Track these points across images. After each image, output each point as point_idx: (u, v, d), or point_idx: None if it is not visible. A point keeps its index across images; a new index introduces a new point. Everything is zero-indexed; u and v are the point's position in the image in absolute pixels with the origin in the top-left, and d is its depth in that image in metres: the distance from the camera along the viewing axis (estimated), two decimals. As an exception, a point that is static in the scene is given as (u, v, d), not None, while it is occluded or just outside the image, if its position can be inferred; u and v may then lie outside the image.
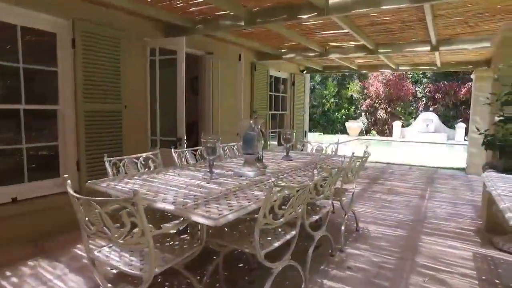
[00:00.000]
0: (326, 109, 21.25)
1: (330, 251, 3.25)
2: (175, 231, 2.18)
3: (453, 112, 18.20)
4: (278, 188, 1.91)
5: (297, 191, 2.04)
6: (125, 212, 1.57)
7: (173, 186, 2.40)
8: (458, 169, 8.53)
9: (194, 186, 2.41)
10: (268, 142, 7.90)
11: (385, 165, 8.96)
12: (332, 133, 21.04)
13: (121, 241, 1.66)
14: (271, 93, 8.34)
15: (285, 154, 3.91)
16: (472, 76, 7.91)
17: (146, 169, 3.11)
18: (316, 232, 2.77)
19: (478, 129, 3.84)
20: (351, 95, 20.98)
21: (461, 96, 17.69)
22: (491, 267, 3.14)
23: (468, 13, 4.24)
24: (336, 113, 21.08)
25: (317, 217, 2.83)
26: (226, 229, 2.45)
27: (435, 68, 8.09)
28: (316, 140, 16.71)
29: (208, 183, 2.52)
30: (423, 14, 4.07)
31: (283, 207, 2.04)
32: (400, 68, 8.46)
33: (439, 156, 11.31)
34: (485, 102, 7.49)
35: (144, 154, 3.19)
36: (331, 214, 4.24)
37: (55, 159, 3.74)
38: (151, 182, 2.51)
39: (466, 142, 16.91)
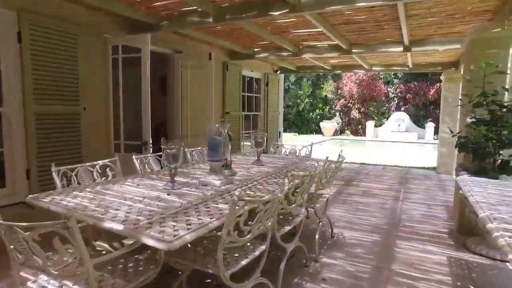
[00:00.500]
0: (301, 109, 21.28)
1: (304, 261, 3.07)
2: (128, 251, 1.93)
3: (423, 112, 18.68)
4: (242, 203, 1.69)
5: (265, 204, 1.83)
6: (58, 239, 1.31)
7: (128, 199, 2.13)
8: (429, 168, 8.65)
9: (152, 198, 2.16)
10: (242, 144, 7.68)
11: (360, 165, 8.97)
12: (307, 133, 21.10)
13: (55, 272, 1.39)
14: (244, 94, 8.13)
15: (256, 158, 3.70)
16: (442, 78, 8.03)
17: (104, 179, 2.82)
18: (288, 244, 2.58)
19: (451, 131, 3.79)
20: (326, 95, 21.12)
21: (430, 97, 18.18)
22: (465, 272, 3.07)
23: (440, 14, 4.20)
24: (311, 113, 21.16)
25: (289, 227, 2.64)
26: (189, 245, 2.21)
27: (407, 69, 8.16)
28: (291, 140, 16.71)
29: (168, 194, 2.27)
30: (397, 14, 3.99)
31: (249, 222, 1.83)
32: (373, 68, 8.48)
33: (411, 156, 11.50)
34: (455, 103, 7.64)
35: (100, 162, 2.90)
36: (306, 220, 4.08)
37: (0, 167, 3.36)
38: (104, 195, 2.23)
39: (436, 141, 17.43)
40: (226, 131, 2.62)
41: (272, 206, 1.92)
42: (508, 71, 3.71)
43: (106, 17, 4.28)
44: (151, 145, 4.36)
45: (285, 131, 21.01)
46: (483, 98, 3.37)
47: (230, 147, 2.68)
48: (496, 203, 2.21)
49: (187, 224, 1.67)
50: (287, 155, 4.71)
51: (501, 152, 3.36)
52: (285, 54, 6.59)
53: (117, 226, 1.60)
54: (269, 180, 2.84)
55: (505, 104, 3.36)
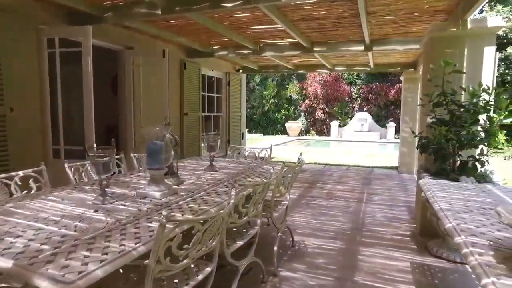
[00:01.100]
0: (266, 109, 21.17)
1: (261, 276, 2.80)
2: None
3: (384, 112, 19.18)
4: (173, 224, 1.39)
5: (204, 223, 1.53)
6: None
7: (41, 220, 1.75)
8: (391, 168, 8.74)
9: (73, 218, 1.79)
10: (202, 146, 7.32)
11: (324, 166, 8.89)
12: (272, 134, 21.01)
13: None
14: (204, 94, 7.79)
15: (209, 163, 3.39)
16: (401, 78, 8.13)
17: (24, 192, 2.39)
18: (241, 261, 2.29)
19: (413, 132, 3.69)
20: (291, 96, 21.15)
21: (390, 97, 18.70)
22: (428, 279, 2.94)
23: (399, 12, 4.12)
24: (276, 114, 21.10)
25: (242, 242, 2.36)
26: (120, 270, 1.87)
27: (368, 69, 8.18)
28: (256, 141, 16.48)
29: (95, 211, 1.91)
30: (357, 10, 3.84)
31: (185, 246, 1.52)
32: (335, 68, 8.44)
33: (374, 155, 11.66)
34: (414, 103, 7.76)
35: (20, 172, 2.46)
36: (265, 227, 3.84)
37: None
38: (10, 215, 1.83)
39: (397, 140, 17.96)
40: (168, 134, 2.29)
41: (214, 225, 1.62)
42: (464, 71, 3.67)
43: (40, 5, 3.79)
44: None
45: (250, 132, 20.81)
46: (442, 97, 3.28)
47: (173, 152, 2.35)
48: (461, 210, 2.06)
49: (103, 254, 1.33)
50: (246, 158, 4.43)
51: (460, 152, 3.29)
52: (245, 52, 6.33)
53: (4, 263, 1.23)
54: (219, 189, 2.54)
55: (463, 103, 3.29)
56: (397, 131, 18.33)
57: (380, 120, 19.05)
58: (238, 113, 9.16)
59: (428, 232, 3.75)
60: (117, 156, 3.21)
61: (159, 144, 2.16)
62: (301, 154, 3.40)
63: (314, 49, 5.79)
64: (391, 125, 17.98)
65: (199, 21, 4.35)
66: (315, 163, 9.46)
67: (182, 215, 1.87)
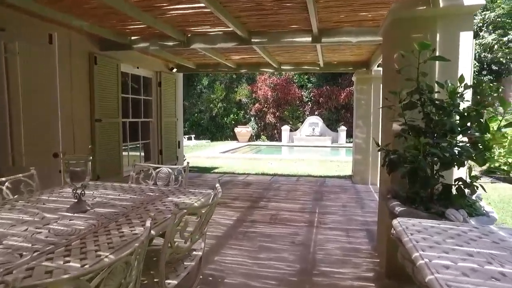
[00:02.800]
0: (214, 114, 19.95)
1: None
2: None
3: (335, 116, 18.87)
4: None
5: None
6: None
7: None
8: (345, 177, 7.99)
9: None
10: (123, 159, 5.95)
11: (272, 178, 7.90)
12: (221, 140, 19.84)
13: None
14: (127, 96, 6.46)
15: (76, 200, 2.16)
16: (353, 79, 7.42)
17: None
18: None
19: (378, 144, 2.72)
20: (240, 100, 20.15)
21: (341, 101, 18.43)
22: None
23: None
24: (225, 118, 19.97)
25: None
26: None
27: (318, 68, 7.35)
28: (203, 148, 15.08)
29: None
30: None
31: None
32: (282, 67, 7.51)
33: (326, 162, 10.96)
34: (367, 105, 7.05)
35: None
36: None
37: None
38: None
39: (349, 145, 17.69)
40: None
41: None
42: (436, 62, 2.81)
43: None
44: None
45: (197, 138, 19.47)
46: (417, 96, 2.36)
47: None
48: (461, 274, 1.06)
49: None
50: (156, 181, 3.23)
51: (440, 173, 2.38)
52: (170, 44, 5.13)
53: None
54: (72, 252, 1.34)
55: (444, 105, 2.39)
56: (348, 135, 18.06)
57: (332, 124, 18.71)
58: (172, 119, 7.88)
59: (397, 273, 2.83)
60: None
61: None
62: (219, 180, 2.30)
63: (253, 40, 4.76)
64: (343, 129, 17.68)
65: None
66: (262, 174, 8.45)
67: None
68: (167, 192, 2.72)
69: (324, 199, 5.77)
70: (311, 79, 19.98)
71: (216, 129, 20.29)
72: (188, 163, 3.15)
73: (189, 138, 17.92)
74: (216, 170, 9.21)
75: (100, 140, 5.39)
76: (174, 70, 7.82)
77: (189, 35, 5.02)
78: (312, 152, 16.23)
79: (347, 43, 4.76)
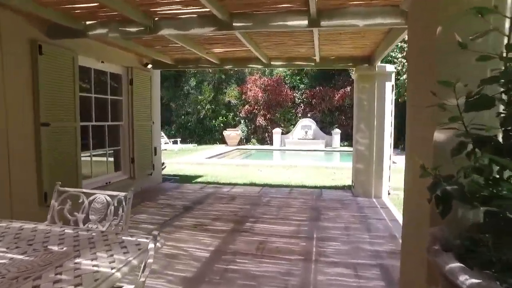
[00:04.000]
0: (202, 116, 18.93)
1: None
2: None
3: (329, 118, 18.03)
4: None
5: None
6: None
7: None
8: (343, 188, 7.07)
9: None
10: (86, 162, 4.93)
11: (261, 189, 6.95)
12: (209, 143, 18.83)
13: None
14: (87, 95, 5.45)
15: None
16: (353, 76, 6.52)
17: None
18: None
19: (424, 168, 1.77)
20: (229, 101, 19.18)
21: (335, 102, 17.59)
22: None
23: None
24: (213, 121, 18.97)
25: None
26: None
27: (313, 64, 6.43)
28: (189, 153, 13.92)
29: None
30: None
31: None
32: (272, 63, 6.57)
33: (320, 168, 10.05)
34: (371, 106, 6.11)
35: None
36: None
37: None
38: None
39: (343, 149, 16.83)
40: None
41: None
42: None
43: None
44: None
45: (184, 141, 18.43)
46: (506, 86, 1.42)
47: None
48: None
49: None
50: (90, 216, 2.23)
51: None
52: (133, 30, 4.15)
53: None
54: None
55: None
56: (343, 138, 17.24)
57: (325, 127, 17.87)
58: (147, 122, 6.88)
59: None
60: None
61: None
62: (158, 235, 1.34)
63: (235, 24, 3.80)
64: (337, 132, 16.85)
65: None
66: (250, 184, 7.49)
67: None
68: (83, 242, 1.72)
69: (322, 218, 4.83)
70: (303, 79, 19.13)
71: (204, 132, 19.27)
72: (132, 190, 2.15)
73: (175, 142, 16.88)
74: (199, 179, 8.22)
75: (48, 149, 4.37)
76: (149, 66, 6.82)
77: (156, 18, 4.05)
78: (305, 156, 15.34)
79: (352, 28, 3.86)
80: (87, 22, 4.25)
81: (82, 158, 5.34)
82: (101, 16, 4.10)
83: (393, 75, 6.06)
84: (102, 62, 5.64)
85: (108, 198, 2.17)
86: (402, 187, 6.64)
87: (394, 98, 5.94)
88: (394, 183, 6.43)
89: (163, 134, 17.43)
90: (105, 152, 6.05)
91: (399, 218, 4.83)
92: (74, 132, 4.83)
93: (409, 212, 2.37)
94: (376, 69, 5.88)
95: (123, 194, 2.12)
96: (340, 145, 16.92)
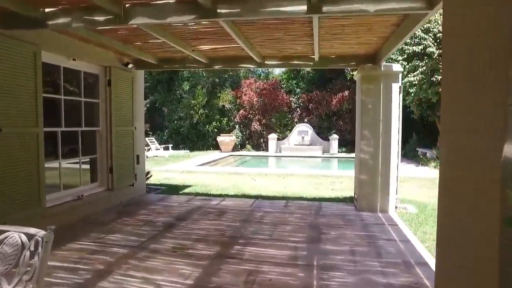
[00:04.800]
0: (195, 121, 18.26)
1: None
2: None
3: (326, 123, 17.44)
4: None
5: None
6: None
7: None
8: (345, 200, 6.43)
9: None
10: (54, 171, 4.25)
11: (254, 201, 6.29)
12: (203, 149, 18.16)
13: None
14: (55, 96, 4.80)
15: None
16: (356, 77, 5.92)
17: None
18: None
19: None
20: (223, 105, 18.54)
21: (333, 107, 17.02)
22: None
23: None
24: (207, 126, 18.31)
25: None
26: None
27: (311, 63, 5.83)
28: (178, 160, 13.10)
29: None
30: None
31: None
32: (267, 62, 5.96)
33: (318, 177, 9.41)
34: (376, 110, 5.44)
35: None
36: None
37: None
38: None
39: (341, 155, 16.22)
40: None
41: None
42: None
43: None
44: None
45: (177, 147, 17.77)
46: None
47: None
48: None
49: None
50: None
51: None
52: (101, 19, 3.52)
53: None
54: None
55: None
56: (340, 144, 16.65)
57: (323, 132, 17.27)
58: (129, 127, 6.22)
59: None
60: None
61: None
62: None
63: (219, 10, 3.18)
64: (335, 138, 16.25)
65: None
66: (242, 196, 6.84)
67: None
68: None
69: (323, 239, 4.18)
70: (300, 83, 18.57)
71: (197, 138, 18.60)
72: (49, 229, 1.49)
73: (166, 148, 16.19)
74: (187, 190, 7.54)
75: (3, 159, 3.70)
76: (130, 66, 6.17)
77: (127, 5, 3.42)
78: (302, 163, 14.72)
79: (358, 17, 3.25)
80: (46, 10, 3.61)
81: (51, 168, 4.70)
82: (62, 2, 3.46)
83: (400, 76, 5.46)
84: (74, 59, 4.99)
85: (24, 239, 1.50)
86: (409, 199, 5.89)
87: (401, 101, 5.33)
88: (399, 194, 5.82)
89: (154, 140, 16.74)
90: (78, 161, 5.38)
91: (411, 238, 4.20)
92: (35, 139, 4.16)
93: (450, 251, 1.71)
94: (382, 69, 5.28)
95: (42, 233, 1.46)
96: (338, 151, 16.32)
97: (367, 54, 5.43)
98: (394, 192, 5.45)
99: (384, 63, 5.35)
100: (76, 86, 5.28)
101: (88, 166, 5.80)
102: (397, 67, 5.31)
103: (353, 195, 6.24)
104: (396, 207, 5.55)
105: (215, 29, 4.29)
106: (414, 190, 7.43)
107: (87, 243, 3.96)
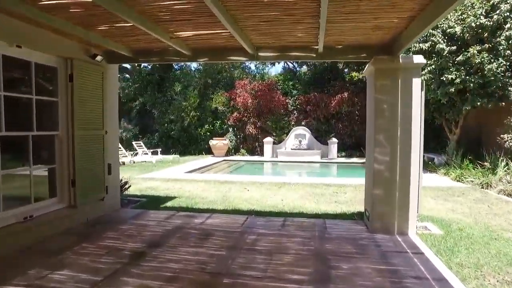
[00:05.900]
0: (186, 124, 17.27)
1: None
2: None
3: (325, 126, 16.54)
4: None
5: None
6: None
7: None
8: (352, 216, 5.48)
9: None
10: None
11: (246, 219, 5.32)
12: (194, 154, 17.18)
13: None
14: (-10, 92, 3.81)
15: None
16: (367, 72, 4.99)
17: None
18: None
19: None
20: (216, 108, 17.59)
21: (331, 109, 16.13)
22: None
23: None
24: (199, 129, 17.34)
25: None
26: None
27: (314, 55, 4.89)
28: (165, 166, 11.89)
29: None
30: None
31: None
32: (261, 54, 5.01)
33: (319, 187, 8.46)
34: (394, 111, 4.04)
35: None
36: None
37: None
38: None
39: (340, 160, 15.28)
40: None
41: None
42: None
43: None
44: None
45: (167, 151, 16.76)
46: None
47: None
48: None
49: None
50: None
51: None
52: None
53: None
54: None
55: None
56: (340, 148, 15.76)
57: (321, 136, 16.37)
58: (98, 131, 5.24)
59: None
60: None
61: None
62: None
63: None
64: (334, 142, 15.35)
65: None
66: (233, 210, 5.87)
67: None
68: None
69: (333, 278, 3.22)
70: (296, 85, 17.68)
71: (188, 142, 17.62)
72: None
73: (154, 153, 15.17)
74: (169, 203, 6.56)
75: None
76: (99, 58, 5.19)
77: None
78: (300, 169, 13.80)
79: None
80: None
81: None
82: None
83: (420, 70, 4.55)
84: (19, 46, 4.01)
85: None
86: (426, 215, 4.67)
87: (423, 99, 4.41)
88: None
89: (141, 144, 15.73)
90: (28, 173, 4.38)
91: (447, 274, 3.25)
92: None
93: None
94: (400, 61, 4.36)
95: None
96: (338, 156, 15.42)
97: (382, 44, 4.51)
98: (415, 210, 4.52)
99: (401, 54, 4.44)
100: (25, 81, 4.30)
101: (46, 179, 4.82)
102: (418, 59, 4.37)
103: (362, 211, 5.30)
104: (416, 227, 4.61)
105: (195, 5, 3.34)
106: (429, 203, 6.51)
107: (18, 287, 2.97)
